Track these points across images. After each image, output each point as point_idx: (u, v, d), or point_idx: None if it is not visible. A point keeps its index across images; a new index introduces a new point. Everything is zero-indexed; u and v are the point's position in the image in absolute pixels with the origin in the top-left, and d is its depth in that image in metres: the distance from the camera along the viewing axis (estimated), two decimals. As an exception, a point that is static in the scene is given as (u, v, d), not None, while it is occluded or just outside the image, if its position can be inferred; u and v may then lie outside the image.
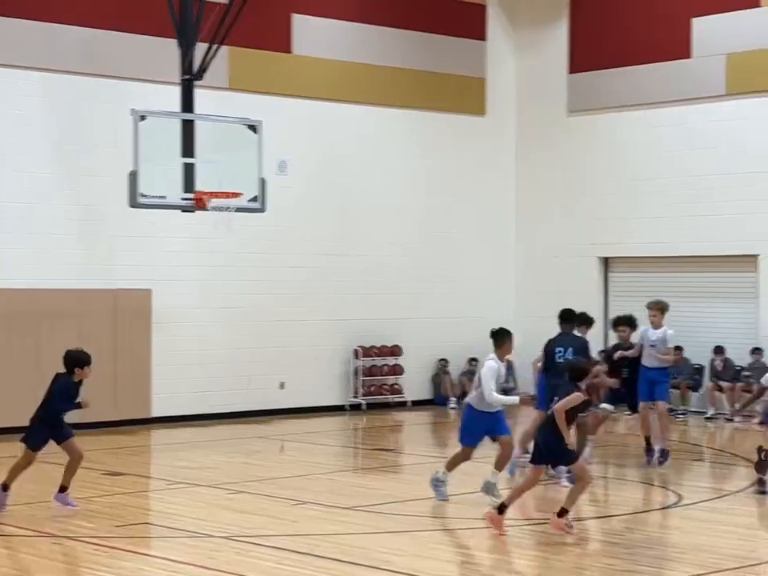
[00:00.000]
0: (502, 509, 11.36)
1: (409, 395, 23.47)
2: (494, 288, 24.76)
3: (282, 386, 21.96)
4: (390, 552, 10.66)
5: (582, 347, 14.87)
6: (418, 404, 23.41)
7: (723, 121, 22.07)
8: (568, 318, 15.34)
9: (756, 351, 21.25)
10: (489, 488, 12.92)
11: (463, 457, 13.28)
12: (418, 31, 23.61)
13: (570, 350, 14.73)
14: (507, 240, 25.06)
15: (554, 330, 24.80)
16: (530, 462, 11.73)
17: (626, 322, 16.04)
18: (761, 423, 19.93)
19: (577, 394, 11.32)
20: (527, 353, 24.35)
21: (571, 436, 11.41)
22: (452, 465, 13.33)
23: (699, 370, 21.63)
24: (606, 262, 24.26)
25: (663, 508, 13.01)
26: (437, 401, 23.71)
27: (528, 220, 24.99)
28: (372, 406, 22.81)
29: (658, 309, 15.79)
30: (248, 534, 11.45)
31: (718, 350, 21.50)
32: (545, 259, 24.62)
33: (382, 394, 23.12)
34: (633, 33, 23.23)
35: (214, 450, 17.62)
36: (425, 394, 23.89)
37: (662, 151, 22.95)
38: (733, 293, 22.27)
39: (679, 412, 20.96)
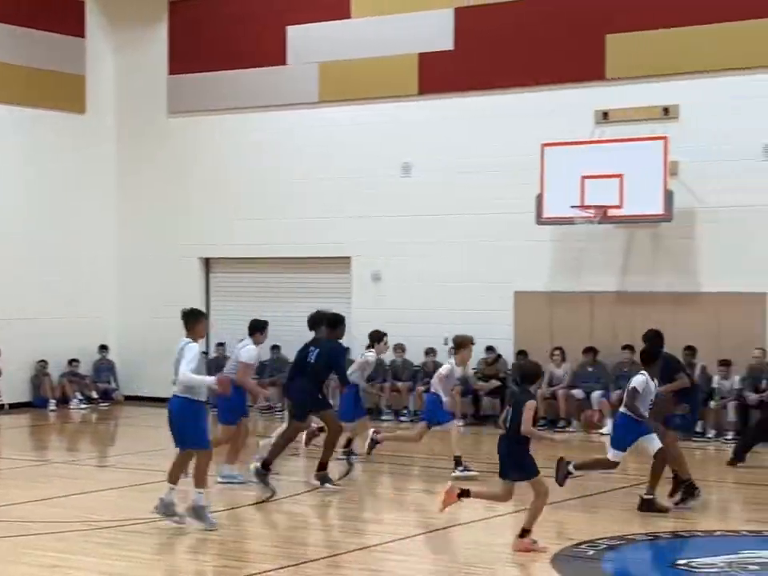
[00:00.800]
0: (523, 534, 10.84)
1: (6, 398, 22.85)
2: (95, 287, 24.51)
3: None
4: (-20, 560, 10.46)
5: (331, 351, 14.29)
6: (16, 407, 22.84)
7: (317, 127, 22.88)
8: (312, 321, 14.87)
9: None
10: (168, 508, 11.62)
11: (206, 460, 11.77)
12: (15, 25, 23.02)
13: (316, 352, 14.22)
14: (108, 239, 24.84)
15: (158, 328, 25.00)
16: (500, 476, 11.08)
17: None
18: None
19: (532, 402, 10.81)
20: (128, 351, 24.47)
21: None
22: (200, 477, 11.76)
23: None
24: (208, 263, 24.57)
25: (258, 503, 13.40)
26: (36, 403, 23.21)
27: (130, 220, 24.89)
28: (-33, 411, 22.11)
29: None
30: None
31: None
32: (147, 259, 24.61)
33: (-23, 398, 22.46)
34: (231, 37, 23.62)
35: None
36: (23, 396, 23.33)
37: (261, 155, 23.49)
38: (329, 292, 23.09)
39: (278, 409, 21.52)
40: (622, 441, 12.61)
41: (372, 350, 16.66)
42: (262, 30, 23.32)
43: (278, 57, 23.14)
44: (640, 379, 12.60)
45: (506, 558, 10.79)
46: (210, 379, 11.48)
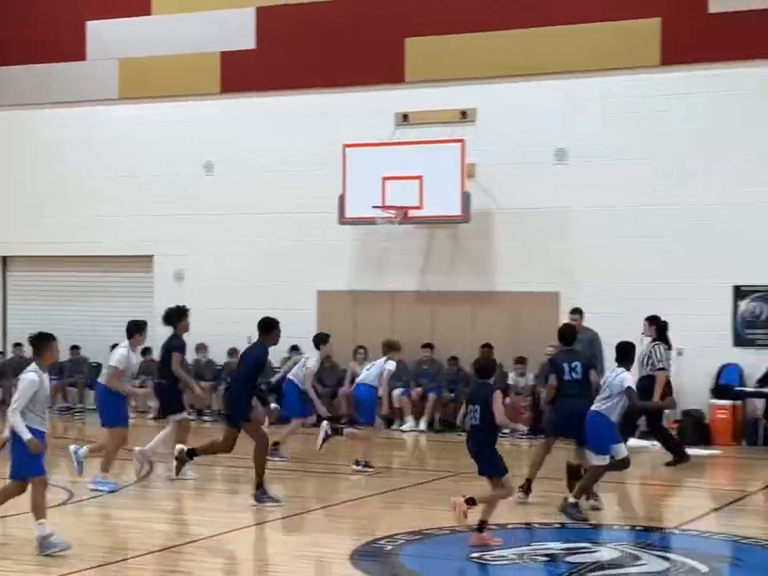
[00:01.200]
0: (481, 527, 10.81)
1: None
2: None
3: None
4: None
5: (249, 357, 13.36)
6: None
7: (117, 124, 22.64)
8: (165, 317, 14.61)
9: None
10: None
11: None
12: None
13: (242, 356, 13.61)
14: None
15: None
16: (480, 474, 11.10)
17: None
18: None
19: (497, 392, 10.89)
20: None
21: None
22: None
23: (97, 367, 21.97)
24: (5, 261, 24.03)
25: (55, 506, 13.20)
26: None
27: None
28: None
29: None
30: None
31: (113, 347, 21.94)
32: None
33: None
34: (28, 31, 23.17)
35: None
36: None
37: (60, 151, 23.16)
38: (132, 292, 22.88)
39: (77, 410, 21.23)
40: (612, 436, 12.42)
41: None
42: (60, 24, 22.94)
43: (77, 52, 22.79)
44: (631, 377, 12.42)
45: (304, 555, 10.91)
46: (27, 437, 10.45)
